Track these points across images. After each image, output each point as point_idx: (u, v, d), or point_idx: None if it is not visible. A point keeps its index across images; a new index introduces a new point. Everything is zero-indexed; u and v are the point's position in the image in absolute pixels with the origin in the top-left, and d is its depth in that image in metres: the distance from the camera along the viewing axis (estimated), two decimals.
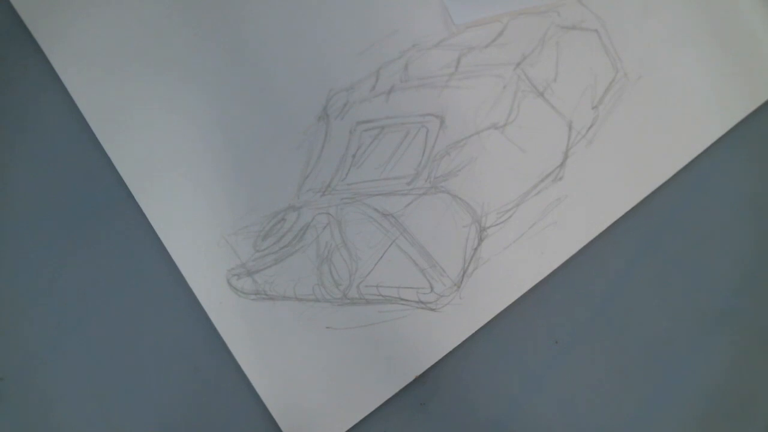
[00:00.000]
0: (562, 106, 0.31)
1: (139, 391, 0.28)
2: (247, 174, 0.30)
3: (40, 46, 0.31)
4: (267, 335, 0.29)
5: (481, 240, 0.30)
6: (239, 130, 0.30)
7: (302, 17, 0.32)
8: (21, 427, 0.28)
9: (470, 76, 0.31)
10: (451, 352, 0.29)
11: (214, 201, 0.30)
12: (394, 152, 0.30)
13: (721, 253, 0.31)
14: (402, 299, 0.29)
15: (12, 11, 0.31)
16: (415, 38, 0.32)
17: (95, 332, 0.29)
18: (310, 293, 0.29)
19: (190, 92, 0.31)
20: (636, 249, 0.30)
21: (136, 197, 0.30)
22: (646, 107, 0.31)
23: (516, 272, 0.30)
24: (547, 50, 0.32)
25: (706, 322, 0.30)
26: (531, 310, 0.30)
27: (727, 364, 0.29)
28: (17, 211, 0.30)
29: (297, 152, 0.30)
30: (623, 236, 0.30)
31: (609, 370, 0.29)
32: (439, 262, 0.29)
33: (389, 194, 0.30)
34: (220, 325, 0.29)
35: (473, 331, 0.29)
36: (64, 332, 0.29)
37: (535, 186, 0.30)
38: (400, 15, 0.32)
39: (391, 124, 0.31)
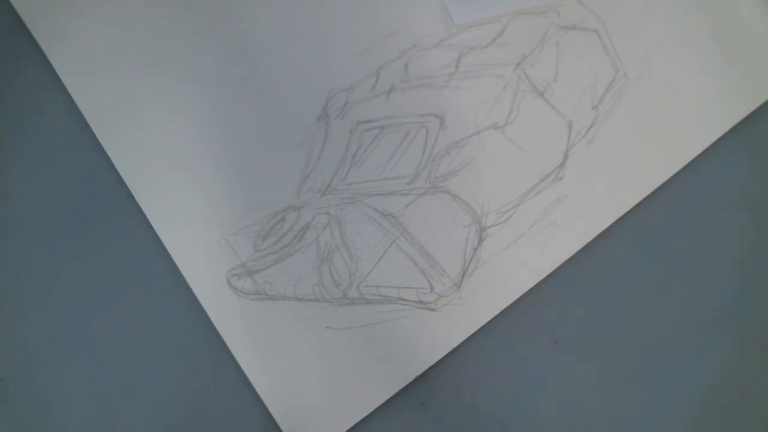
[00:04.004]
0: (562, 106, 0.31)
1: (139, 391, 0.28)
2: (247, 174, 0.30)
3: (40, 46, 0.31)
4: (267, 335, 0.29)
5: (481, 240, 0.30)
6: (239, 130, 0.30)
7: (302, 17, 0.32)
8: (21, 427, 0.28)
9: (470, 76, 0.31)
10: (451, 352, 0.29)
11: (214, 201, 0.30)
12: (394, 152, 0.30)
13: (721, 253, 0.30)
14: (402, 299, 0.29)
15: (12, 11, 0.31)
16: (415, 38, 0.32)
17: (95, 332, 0.29)
18: (310, 293, 0.29)
19: (190, 92, 0.31)
20: (636, 249, 0.30)
21: (136, 197, 0.30)
22: (646, 107, 0.31)
23: (516, 272, 0.30)
24: (547, 50, 0.32)
25: (706, 322, 0.30)
26: (531, 310, 0.30)
27: (727, 364, 0.29)
28: (17, 211, 0.30)
29: (297, 152, 0.30)
30: (623, 236, 0.30)
31: (609, 370, 0.29)
32: (439, 262, 0.29)
33: (389, 194, 0.30)
34: (220, 325, 0.29)
35: (473, 331, 0.29)
36: (64, 332, 0.29)
37: (535, 186, 0.30)
38: (400, 15, 0.32)
39: (391, 124, 0.31)
